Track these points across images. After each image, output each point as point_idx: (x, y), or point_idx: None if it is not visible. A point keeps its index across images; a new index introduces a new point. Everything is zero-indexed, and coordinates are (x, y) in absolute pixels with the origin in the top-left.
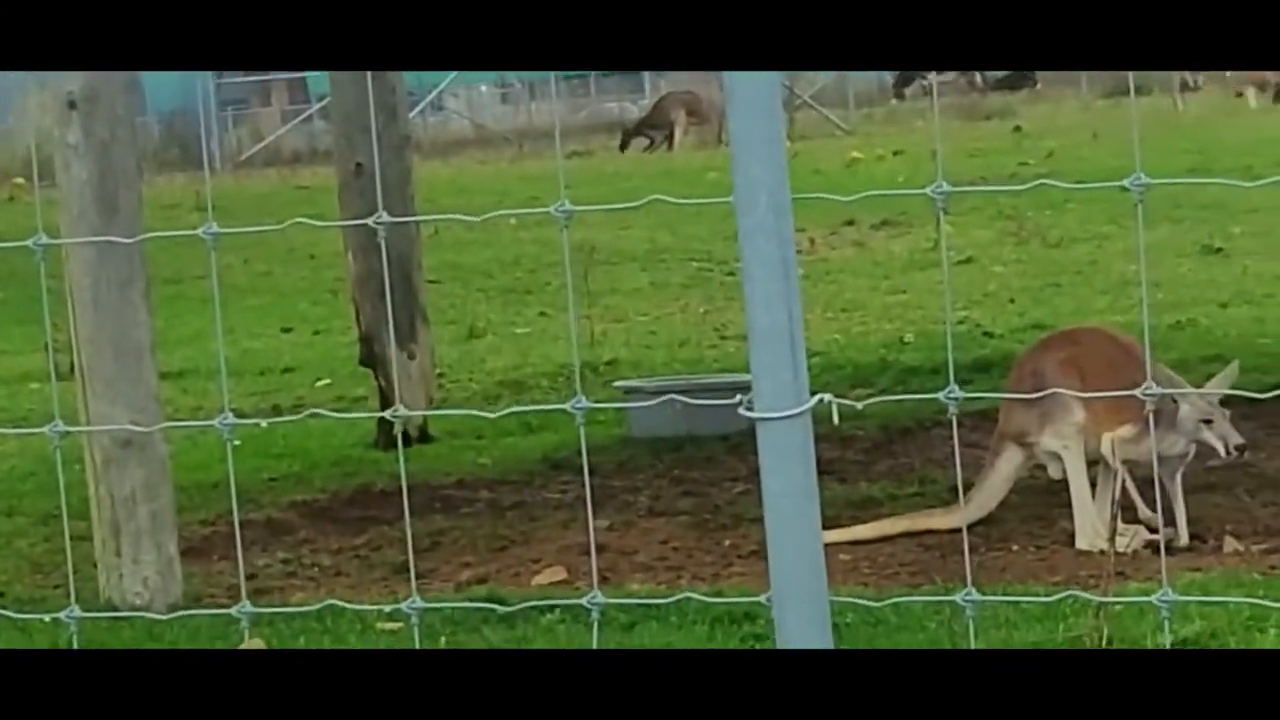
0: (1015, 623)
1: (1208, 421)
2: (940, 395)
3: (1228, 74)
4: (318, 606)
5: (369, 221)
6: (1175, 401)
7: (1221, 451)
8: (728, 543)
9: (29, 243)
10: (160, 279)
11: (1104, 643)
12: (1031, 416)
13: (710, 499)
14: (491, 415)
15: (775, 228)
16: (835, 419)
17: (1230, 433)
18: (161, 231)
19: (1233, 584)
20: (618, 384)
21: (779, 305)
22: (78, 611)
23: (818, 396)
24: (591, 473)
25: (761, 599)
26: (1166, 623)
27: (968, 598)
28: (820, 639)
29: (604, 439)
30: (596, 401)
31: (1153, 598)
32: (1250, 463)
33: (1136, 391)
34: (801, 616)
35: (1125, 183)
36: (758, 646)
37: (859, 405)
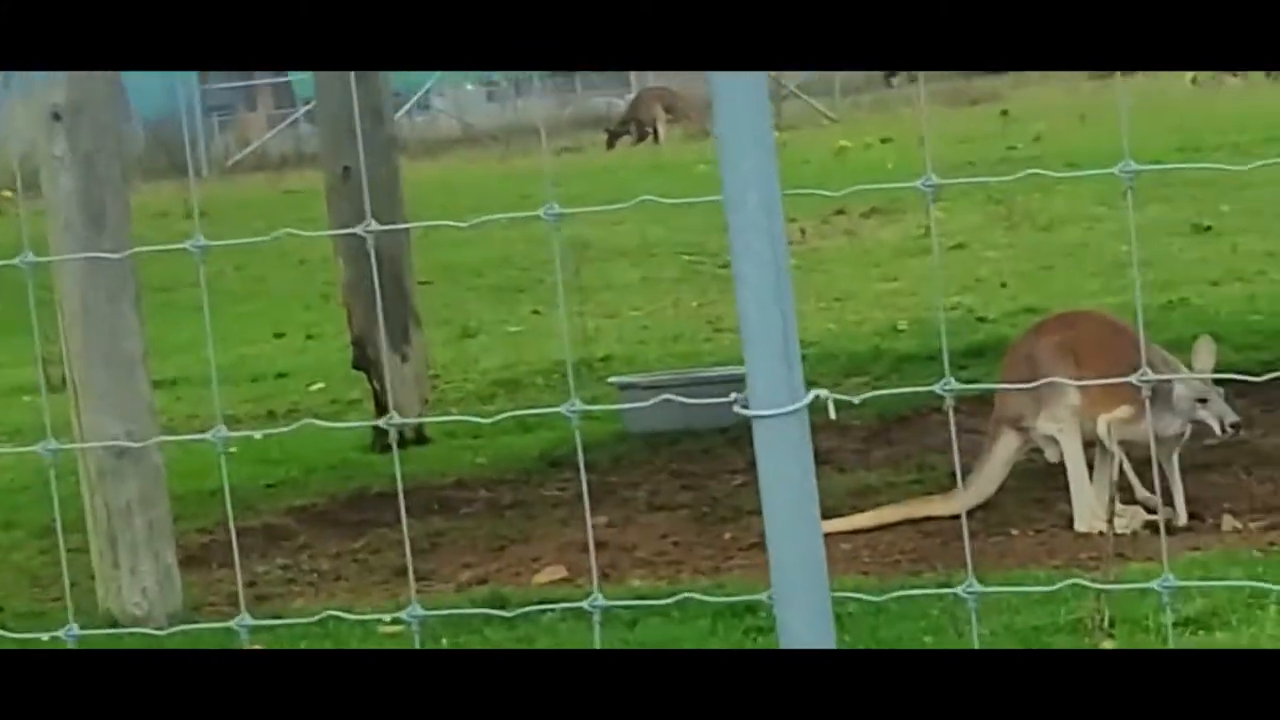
0: (1017, 606)
1: (1203, 400)
2: (935, 387)
3: None
4: (319, 617)
5: (358, 230)
6: (1170, 382)
7: (1217, 430)
8: (728, 535)
9: (16, 261)
10: (151, 287)
11: (1105, 624)
12: (1027, 401)
13: (709, 492)
14: (486, 421)
15: (766, 225)
16: (832, 414)
17: (1225, 411)
18: (151, 240)
19: (1232, 562)
20: (612, 380)
21: (771, 303)
22: (76, 630)
23: (813, 392)
24: (589, 469)
25: (763, 597)
26: (1167, 606)
27: (969, 589)
28: (823, 634)
29: (600, 435)
30: (592, 397)
31: (1154, 584)
32: (1246, 440)
33: (1133, 378)
34: (803, 613)
35: (1115, 170)
36: (760, 639)
37: (855, 400)
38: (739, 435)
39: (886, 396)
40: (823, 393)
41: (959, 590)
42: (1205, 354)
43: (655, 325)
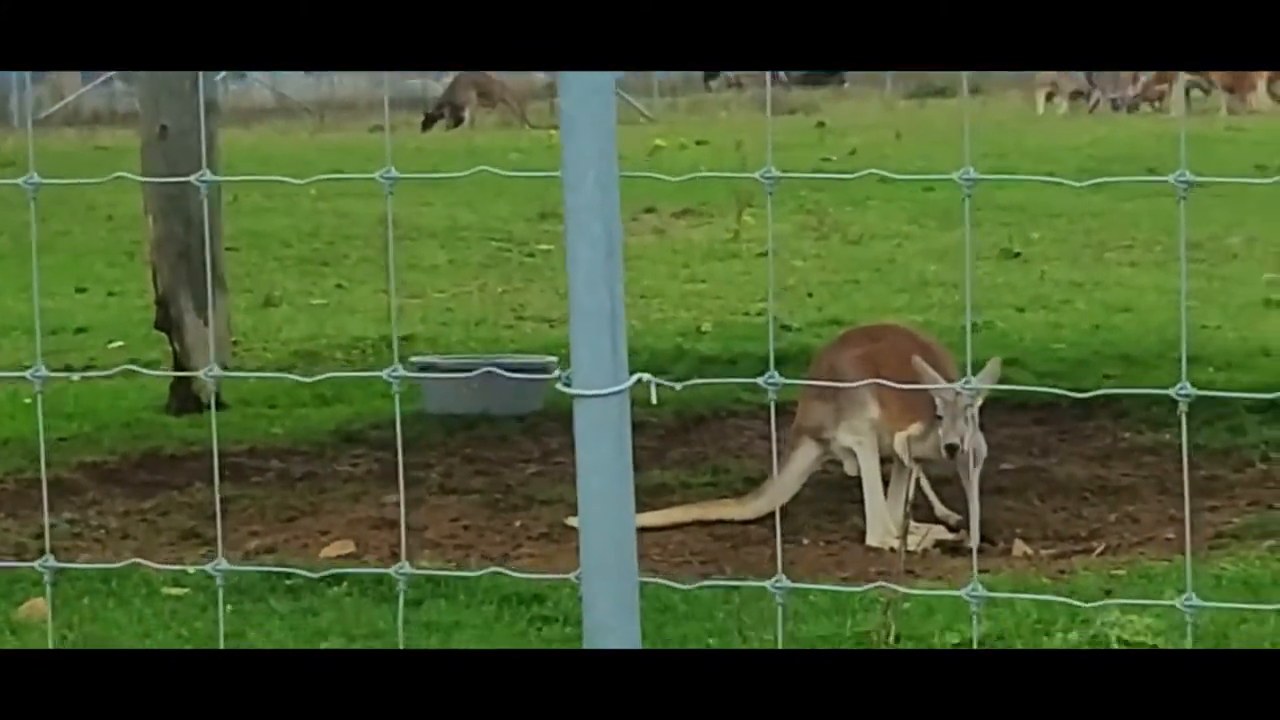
0: (804, 615)
1: (939, 417)
2: (760, 380)
3: (1034, 76)
4: (120, 565)
5: (191, 180)
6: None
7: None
8: (518, 523)
9: None
10: None
11: (892, 639)
12: (828, 412)
13: (502, 479)
14: (307, 380)
15: (600, 205)
16: (654, 398)
17: (950, 432)
18: None
19: (1020, 586)
20: (413, 359)
21: (601, 283)
22: None
23: (636, 376)
24: (383, 447)
25: (571, 576)
26: (976, 618)
27: (778, 584)
28: (628, 617)
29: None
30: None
31: (962, 591)
32: (1042, 467)
33: (958, 385)
34: (610, 594)
35: (955, 176)
36: (544, 628)
37: (677, 386)
38: (535, 424)
39: (686, 394)
40: (646, 376)
41: (768, 585)
42: (987, 375)
43: (459, 308)
